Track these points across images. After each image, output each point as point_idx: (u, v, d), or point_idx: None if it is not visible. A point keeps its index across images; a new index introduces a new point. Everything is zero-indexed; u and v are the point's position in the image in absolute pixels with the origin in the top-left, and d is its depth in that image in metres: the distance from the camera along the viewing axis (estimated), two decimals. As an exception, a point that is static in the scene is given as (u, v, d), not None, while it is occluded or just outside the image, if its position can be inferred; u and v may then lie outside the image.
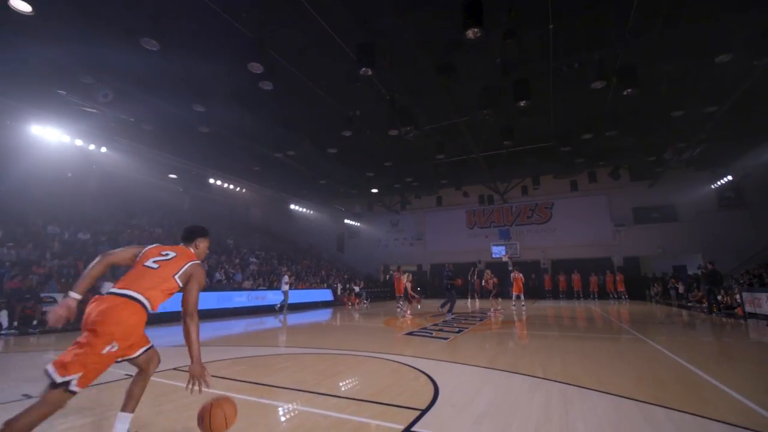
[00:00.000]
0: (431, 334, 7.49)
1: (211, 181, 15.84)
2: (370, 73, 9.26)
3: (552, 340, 6.58)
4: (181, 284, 2.37)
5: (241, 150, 15.43)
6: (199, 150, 14.61)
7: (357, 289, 20.11)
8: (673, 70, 10.30)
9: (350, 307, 17.19)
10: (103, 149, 12.54)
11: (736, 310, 11.31)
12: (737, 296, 11.12)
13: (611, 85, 10.24)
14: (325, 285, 19.54)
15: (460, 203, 24.11)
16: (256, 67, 9.29)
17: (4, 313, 7.66)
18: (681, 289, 16.88)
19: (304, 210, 23.51)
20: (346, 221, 26.66)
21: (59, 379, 1.87)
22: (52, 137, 11.41)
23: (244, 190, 17.90)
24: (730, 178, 16.74)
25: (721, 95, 11.36)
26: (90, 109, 10.43)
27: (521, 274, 13.01)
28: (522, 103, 10.75)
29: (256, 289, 14.83)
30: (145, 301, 2.21)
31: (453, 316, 10.71)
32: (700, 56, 9.60)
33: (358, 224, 27.58)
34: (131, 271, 2.35)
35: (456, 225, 25.38)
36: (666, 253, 20.07)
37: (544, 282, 21.61)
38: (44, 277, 10.57)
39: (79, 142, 12.05)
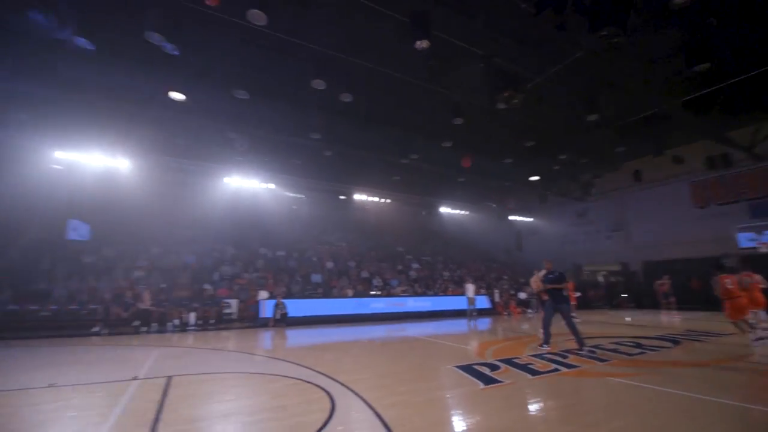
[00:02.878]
0: (494, 368, 5.33)
1: (357, 197, 17.40)
2: (425, 46, 7.92)
3: None
4: None
5: (373, 163, 16.28)
6: (336, 170, 16.45)
7: (524, 295, 17.15)
8: None
9: (506, 316, 14.81)
10: (271, 185, 16.01)
11: None
12: None
13: None
14: (484, 291, 17.67)
15: (673, 174, 16.85)
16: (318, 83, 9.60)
17: (192, 314, 10.82)
18: None
19: (459, 211, 22.31)
20: (515, 218, 23.53)
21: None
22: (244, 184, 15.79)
23: (389, 201, 18.76)
24: None
25: None
26: (240, 158, 13.53)
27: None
28: None
29: (398, 296, 15.03)
30: None
31: (547, 348, 6.65)
32: None
33: (532, 220, 23.78)
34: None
35: (674, 205, 17.77)
36: None
37: None
38: (245, 286, 14.29)
39: (265, 185, 15.99)
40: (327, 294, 14.50)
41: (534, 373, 5.14)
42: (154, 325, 10.30)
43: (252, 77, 9.66)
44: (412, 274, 19.82)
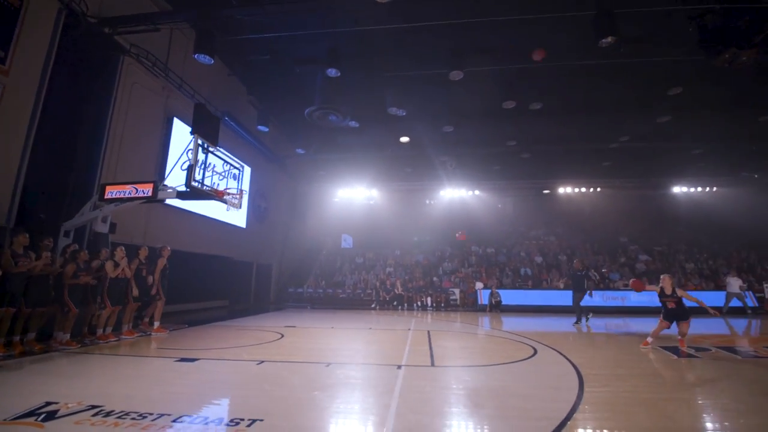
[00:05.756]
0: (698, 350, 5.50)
1: (561, 190, 17.43)
2: (612, 40, 8.27)
3: None
4: None
5: (575, 154, 16.04)
6: (536, 168, 17.09)
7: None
8: None
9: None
10: (477, 192, 18.37)
11: None
12: None
13: None
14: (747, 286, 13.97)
15: None
16: (508, 103, 11.19)
17: (429, 299, 14.34)
18: None
19: (702, 189, 18.03)
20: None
21: None
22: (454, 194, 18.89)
23: (599, 190, 17.62)
24: None
25: None
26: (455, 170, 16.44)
27: None
28: None
29: (618, 290, 14.27)
30: None
31: None
32: None
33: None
34: None
35: None
36: None
37: None
38: (464, 279, 17.25)
39: (471, 192, 18.72)
40: (537, 286, 15.46)
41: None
42: (405, 305, 14.41)
43: (453, 112, 12.32)
44: (640, 266, 17.70)
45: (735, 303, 12.18)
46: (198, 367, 4.39)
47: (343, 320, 10.23)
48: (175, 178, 8.28)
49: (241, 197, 7.47)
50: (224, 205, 14.15)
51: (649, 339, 5.93)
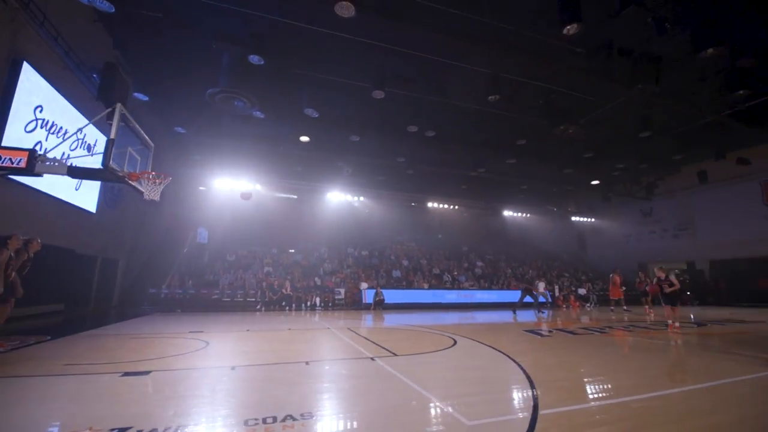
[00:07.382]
0: (548, 332, 7.94)
1: (429, 204, 20.41)
2: (497, 98, 10.60)
3: None
4: None
5: (446, 176, 19.13)
6: (413, 183, 19.59)
7: (583, 291, 18.88)
8: None
9: (565, 309, 16.79)
10: (361, 198, 19.62)
11: None
12: None
13: None
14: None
15: (740, 175, 17.42)
16: (412, 127, 12.72)
17: (318, 298, 14.63)
18: None
19: (521, 215, 24.32)
20: (576, 219, 24.90)
21: None
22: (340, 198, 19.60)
23: (456, 207, 21.49)
24: None
25: None
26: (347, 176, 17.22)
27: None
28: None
29: (468, 289, 17.77)
30: None
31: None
32: None
33: (594, 220, 24.93)
34: None
35: (743, 205, 18.23)
36: None
37: None
38: (344, 279, 18.09)
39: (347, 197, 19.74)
40: (408, 286, 17.72)
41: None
42: (293, 305, 14.29)
43: (363, 124, 13.13)
44: (477, 270, 22.32)
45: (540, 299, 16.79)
46: (163, 378, 3.83)
47: (244, 323, 9.63)
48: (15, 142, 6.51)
49: (164, 183, 6.33)
50: (73, 183, 11.29)
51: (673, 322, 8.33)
